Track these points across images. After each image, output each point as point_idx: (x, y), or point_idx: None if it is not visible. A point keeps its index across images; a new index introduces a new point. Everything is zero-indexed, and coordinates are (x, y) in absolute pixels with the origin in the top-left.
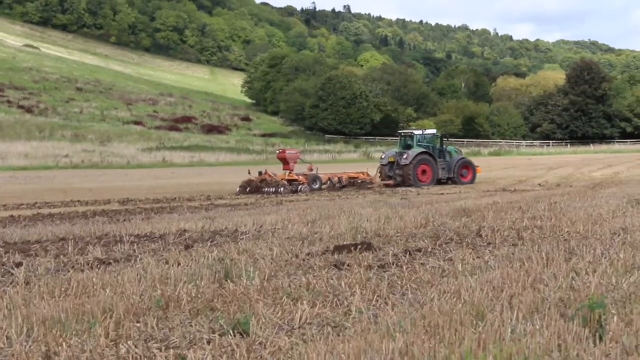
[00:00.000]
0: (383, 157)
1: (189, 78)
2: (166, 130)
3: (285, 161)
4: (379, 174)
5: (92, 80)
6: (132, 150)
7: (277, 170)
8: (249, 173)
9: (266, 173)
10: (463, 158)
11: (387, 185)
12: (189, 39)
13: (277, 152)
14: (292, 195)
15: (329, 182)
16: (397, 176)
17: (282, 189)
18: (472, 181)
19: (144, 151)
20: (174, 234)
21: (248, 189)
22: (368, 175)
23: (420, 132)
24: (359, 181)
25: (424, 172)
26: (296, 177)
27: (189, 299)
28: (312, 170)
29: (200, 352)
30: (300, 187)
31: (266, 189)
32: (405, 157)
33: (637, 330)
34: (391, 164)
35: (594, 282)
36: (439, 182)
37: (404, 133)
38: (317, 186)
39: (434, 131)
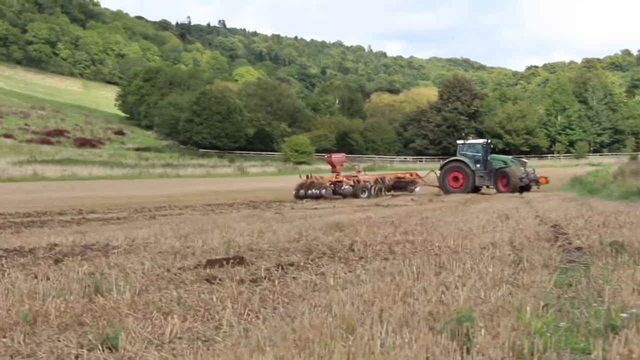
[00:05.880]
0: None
1: (61, 91)
2: (37, 143)
3: (332, 164)
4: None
5: None
6: (1, 164)
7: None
8: (300, 177)
9: (313, 176)
10: (502, 167)
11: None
12: (62, 51)
13: (326, 156)
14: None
15: (375, 182)
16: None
17: (324, 190)
18: (508, 191)
19: (14, 164)
20: (43, 248)
21: (301, 191)
22: (417, 175)
23: (461, 141)
24: (403, 182)
25: (455, 178)
26: (341, 179)
27: (58, 314)
28: (359, 172)
29: None
30: (343, 187)
31: (311, 191)
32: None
33: (503, 343)
34: None
35: (463, 295)
36: (477, 190)
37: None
38: (365, 195)
39: (480, 141)
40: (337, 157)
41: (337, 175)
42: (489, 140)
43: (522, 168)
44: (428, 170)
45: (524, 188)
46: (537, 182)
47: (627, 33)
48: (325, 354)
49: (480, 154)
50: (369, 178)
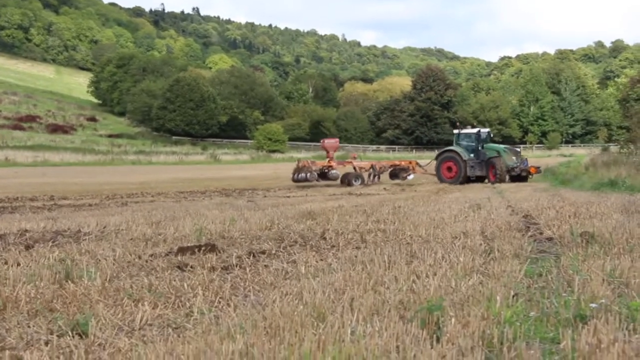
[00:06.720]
0: None
1: (33, 77)
2: (9, 129)
3: (326, 149)
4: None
5: None
6: None
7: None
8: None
9: (303, 161)
10: (491, 157)
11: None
12: (35, 37)
13: (321, 141)
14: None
15: (371, 169)
16: None
17: (309, 174)
18: (496, 181)
19: None
20: (14, 234)
21: (294, 175)
22: (417, 164)
23: (457, 130)
24: (398, 169)
25: (449, 168)
26: (331, 164)
27: (28, 300)
28: (355, 158)
29: (37, 353)
30: (330, 172)
31: (300, 175)
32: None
33: (472, 332)
34: None
35: (434, 284)
36: (469, 180)
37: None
38: (358, 183)
39: (473, 130)
40: (329, 142)
41: (330, 160)
42: (489, 130)
43: (514, 157)
44: (428, 159)
45: (520, 178)
46: (528, 171)
47: (600, 25)
48: (296, 342)
49: (474, 144)
50: (364, 165)
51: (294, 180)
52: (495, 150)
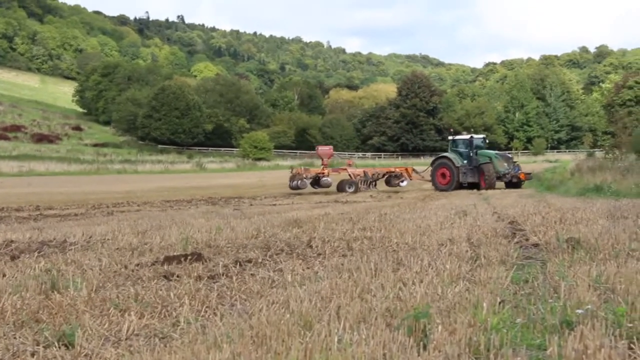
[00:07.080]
0: None
1: (18, 86)
2: None
3: (319, 157)
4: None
5: None
6: None
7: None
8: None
9: (297, 169)
10: (481, 164)
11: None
12: (19, 46)
13: (316, 148)
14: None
15: (363, 175)
16: None
17: (300, 182)
18: (486, 187)
19: None
20: None
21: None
22: (414, 170)
23: (451, 137)
24: (393, 175)
25: (442, 175)
26: (324, 171)
27: (14, 311)
28: (350, 165)
29: None
30: (322, 179)
31: (294, 183)
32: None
33: (459, 339)
34: None
35: (420, 292)
36: (461, 187)
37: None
38: (352, 189)
39: (466, 136)
40: (323, 149)
41: (324, 167)
42: (484, 136)
43: (505, 164)
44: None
45: (513, 184)
46: (519, 177)
47: (584, 30)
48: (283, 351)
49: (467, 150)
50: (359, 172)
51: (291, 188)
52: (487, 157)
